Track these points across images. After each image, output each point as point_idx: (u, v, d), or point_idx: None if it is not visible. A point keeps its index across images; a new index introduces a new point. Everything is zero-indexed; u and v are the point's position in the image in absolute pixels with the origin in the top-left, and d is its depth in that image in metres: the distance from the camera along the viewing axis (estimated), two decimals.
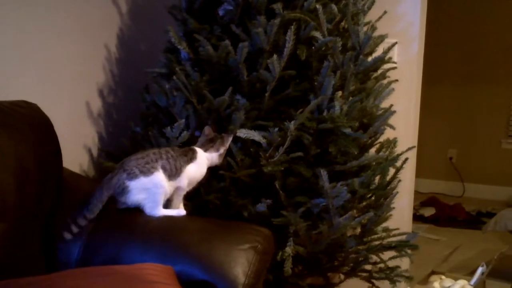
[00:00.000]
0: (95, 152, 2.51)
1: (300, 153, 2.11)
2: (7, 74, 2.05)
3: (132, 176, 1.79)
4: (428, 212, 4.69)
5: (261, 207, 2.08)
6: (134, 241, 1.73)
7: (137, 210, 1.83)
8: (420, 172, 3.09)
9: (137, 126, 2.36)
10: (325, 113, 2.14)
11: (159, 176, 1.82)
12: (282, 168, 2.10)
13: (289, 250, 2.08)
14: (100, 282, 1.45)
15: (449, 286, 3.02)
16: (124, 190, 1.79)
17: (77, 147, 2.40)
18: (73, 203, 1.80)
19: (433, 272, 3.22)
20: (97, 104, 2.51)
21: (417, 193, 3.12)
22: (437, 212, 4.69)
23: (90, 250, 1.76)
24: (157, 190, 1.81)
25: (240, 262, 1.66)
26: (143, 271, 1.53)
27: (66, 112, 2.31)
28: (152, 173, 1.81)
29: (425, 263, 3.24)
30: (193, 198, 2.05)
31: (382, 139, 2.42)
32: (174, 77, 2.21)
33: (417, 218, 4.55)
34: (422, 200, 4.86)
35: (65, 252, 1.79)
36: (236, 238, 1.69)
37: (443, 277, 3.14)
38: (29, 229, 1.74)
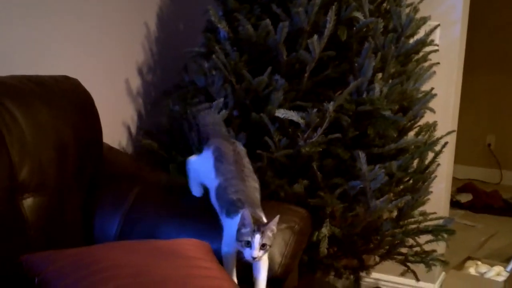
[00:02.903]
0: (133, 129, 2.53)
1: (338, 135, 2.10)
2: (49, 50, 2.08)
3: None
4: (465, 198, 4.63)
5: (298, 187, 2.08)
6: (171, 218, 1.75)
7: (174, 186, 1.84)
8: (457, 158, 3.04)
9: (175, 105, 2.37)
10: (364, 95, 2.13)
11: None
12: (320, 149, 2.09)
13: (325, 231, 2.08)
14: (140, 256, 1.47)
15: (485, 272, 3.00)
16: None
17: (115, 124, 2.43)
18: (112, 178, 1.83)
19: (469, 258, 3.18)
20: (136, 82, 2.53)
21: (454, 179, 3.08)
22: (474, 199, 4.63)
23: (128, 225, 1.79)
24: None
25: (277, 242, 1.67)
26: (182, 246, 1.55)
27: (106, 89, 2.34)
28: None
29: (460, 249, 3.21)
30: None
31: (421, 122, 2.39)
32: (213, 56, 2.21)
33: (453, 204, 4.48)
34: (459, 186, 4.79)
35: (103, 227, 1.82)
36: (273, 217, 1.69)
37: (478, 263, 3.12)
38: (68, 203, 1.77)
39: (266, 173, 2.13)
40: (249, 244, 1.52)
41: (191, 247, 1.56)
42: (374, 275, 2.69)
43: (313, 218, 1.94)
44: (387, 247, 2.31)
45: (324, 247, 2.08)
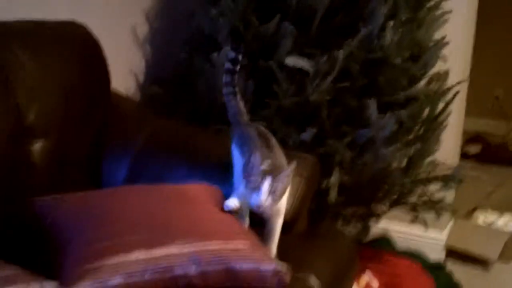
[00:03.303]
0: (140, 77, 2.51)
1: (347, 83, 2.07)
2: None
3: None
4: (474, 149, 4.62)
5: (306, 136, 2.07)
6: (181, 162, 1.75)
7: (183, 131, 1.83)
8: (465, 110, 3.01)
9: (182, 52, 2.34)
10: (375, 43, 2.09)
11: None
12: (329, 98, 2.07)
13: (333, 179, 2.08)
14: (149, 200, 1.47)
15: (493, 222, 3.01)
16: None
17: (122, 72, 2.40)
18: (120, 123, 1.82)
19: (477, 208, 3.19)
20: (143, 29, 2.49)
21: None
22: (482, 150, 4.62)
23: (136, 170, 1.79)
24: None
25: None
26: (192, 191, 1.56)
27: (113, 36, 2.30)
28: None
29: (468, 199, 3.21)
30: None
31: (432, 71, 2.36)
32: (221, 3, 2.17)
33: (461, 155, 4.47)
34: (467, 138, 4.78)
35: (111, 172, 1.82)
36: None
37: (487, 212, 3.13)
38: (76, 148, 1.77)
39: (274, 121, 2.11)
40: (257, 189, 1.42)
41: (200, 192, 1.56)
42: (382, 223, 2.70)
43: (322, 166, 1.93)
44: (396, 196, 2.31)
45: (332, 195, 2.08)
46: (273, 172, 1.42)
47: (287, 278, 1.33)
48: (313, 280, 1.55)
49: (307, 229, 1.81)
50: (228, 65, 1.73)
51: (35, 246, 1.43)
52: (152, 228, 1.37)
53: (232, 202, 1.52)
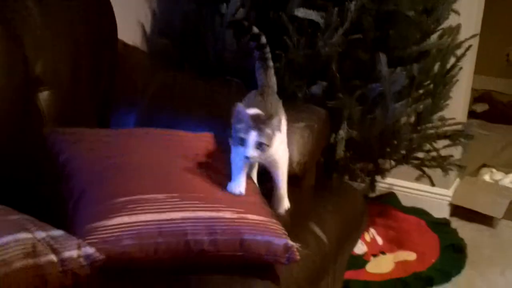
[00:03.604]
0: (148, 29, 2.47)
1: (358, 36, 2.04)
2: None
3: None
4: (481, 108, 4.58)
5: (316, 89, 2.04)
6: (189, 114, 1.74)
7: (191, 83, 1.81)
8: (475, 68, 2.97)
9: (190, 3, 2.30)
10: None
11: None
12: (340, 51, 2.04)
13: (342, 133, 2.06)
14: (162, 142, 1.47)
15: (500, 179, 3.00)
16: None
17: (130, 23, 2.37)
18: (128, 75, 1.81)
19: (484, 166, 3.18)
20: None
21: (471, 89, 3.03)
22: (490, 109, 4.58)
23: (144, 122, 1.79)
24: None
25: (295, 140, 1.66)
26: (195, 142, 1.55)
27: None
28: None
29: (475, 157, 3.19)
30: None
31: (445, 25, 2.31)
32: None
33: (469, 113, 4.45)
34: (475, 96, 4.74)
35: (119, 123, 1.82)
36: (292, 115, 1.66)
37: (493, 170, 3.12)
38: (83, 98, 1.76)
39: (284, 74, 2.08)
40: (243, 142, 1.39)
41: (204, 142, 1.56)
42: (389, 180, 2.70)
43: (331, 120, 1.92)
44: (404, 151, 2.30)
45: (341, 150, 2.07)
46: (259, 123, 1.39)
47: (298, 254, 1.33)
48: (321, 233, 1.56)
49: (316, 183, 1.81)
50: (253, 42, 1.69)
51: (47, 185, 1.44)
52: (168, 188, 1.36)
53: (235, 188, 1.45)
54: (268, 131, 1.39)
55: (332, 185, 1.91)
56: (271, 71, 1.68)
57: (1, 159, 1.52)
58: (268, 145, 1.39)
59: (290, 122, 1.68)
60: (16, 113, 1.57)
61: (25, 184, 1.52)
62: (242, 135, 1.38)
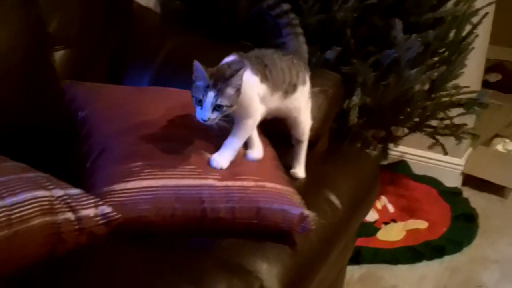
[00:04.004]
0: None
1: (374, 1, 2.01)
2: None
3: None
4: (494, 78, 4.54)
5: (330, 54, 2.02)
6: None
7: (205, 46, 1.80)
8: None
9: None
10: None
11: None
12: (355, 15, 2.02)
13: (356, 99, 2.05)
14: (180, 101, 1.47)
15: None
16: None
17: None
18: (142, 36, 1.80)
19: (496, 136, 3.17)
20: None
21: None
22: (503, 79, 4.54)
23: (158, 83, 1.76)
24: None
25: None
26: None
27: None
28: None
29: (487, 127, 3.18)
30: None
31: None
32: None
33: (482, 83, 4.41)
34: (489, 66, 4.70)
35: (133, 84, 1.81)
36: None
37: (506, 140, 3.10)
38: (97, 58, 1.76)
39: None
40: (200, 103, 1.27)
41: None
42: (401, 148, 2.69)
43: (344, 86, 1.91)
44: (417, 119, 2.29)
45: (354, 116, 2.05)
46: (219, 82, 1.26)
47: (312, 223, 1.33)
48: (335, 199, 1.56)
49: (328, 149, 1.80)
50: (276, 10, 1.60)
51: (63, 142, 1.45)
52: (187, 152, 1.35)
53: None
54: (229, 90, 1.26)
55: (346, 151, 1.89)
56: (301, 38, 1.60)
57: (18, 118, 1.53)
58: (229, 106, 1.28)
59: None
60: (32, 73, 1.57)
61: (42, 142, 1.53)
62: (198, 95, 1.27)
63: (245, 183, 1.33)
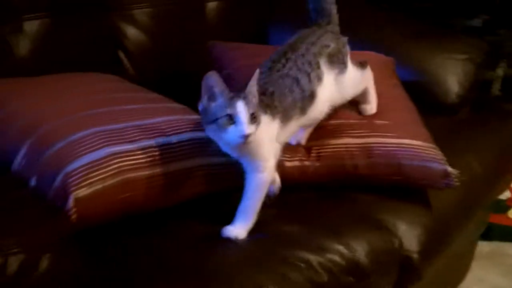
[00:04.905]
0: None
1: None
2: None
3: None
4: None
5: (476, 22, 1.97)
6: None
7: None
8: None
9: None
10: None
11: None
12: None
13: (500, 71, 1.99)
14: None
15: None
16: None
17: None
18: None
19: None
20: None
21: None
22: None
23: None
24: None
25: (456, 72, 1.62)
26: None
27: None
28: None
29: None
30: None
31: None
32: None
33: None
34: None
35: (278, 37, 1.85)
36: (453, 47, 1.63)
37: None
38: (245, 12, 1.82)
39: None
40: (232, 120, 1.06)
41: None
42: None
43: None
44: None
45: (496, 88, 2.00)
46: (238, 90, 1.08)
47: (456, 181, 1.32)
48: (476, 164, 1.52)
49: (469, 117, 1.76)
50: None
51: None
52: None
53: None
54: (251, 98, 1.08)
55: (486, 121, 1.84)
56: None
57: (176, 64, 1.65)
58: (259, 116, 1.09)
59: (451, 53, 1.65)
60: (183, 18, 1.68)
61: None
62: (225, 112, 1.05)
63: (387, 139, 1.34)
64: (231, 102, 1.05)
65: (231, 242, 1.12)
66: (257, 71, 1.10)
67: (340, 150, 1.32)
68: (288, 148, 1.26)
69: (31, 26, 1.48)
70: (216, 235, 1.13)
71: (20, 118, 1.17)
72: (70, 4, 1.56)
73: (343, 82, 1.27)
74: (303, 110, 1.21)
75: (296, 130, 1.25)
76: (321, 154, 1.31)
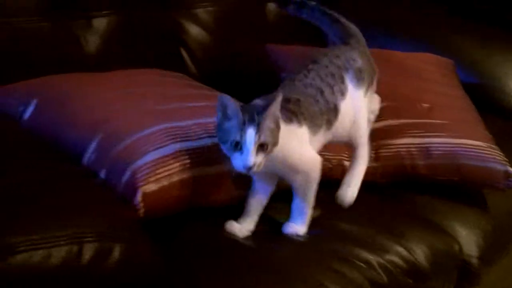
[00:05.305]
0: None
1: None
2: None
3: None
4: None
5: None
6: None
7: None
8: None
9: None
10: None
11: None
12: None
13: None
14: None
15: None
16: None
17: None
18: None
19: None
20: None
21: None
22: None
23: None
24: None
25: None
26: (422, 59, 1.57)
27: None
28: None
29: None
30: None
31: None
32: None
33: None
34: None
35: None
36: None
37: None
38: None
39: None
40: (238, 147, 1.00)
41: (433, 61, 1.56)
42: None
43: None
44: None
45: None
46: (254, 114, 1.00)
47: None
48: None
49: None
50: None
51: None
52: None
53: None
54: (269, 123, 1.01)
55: None
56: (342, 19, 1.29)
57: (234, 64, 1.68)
58: (273, 144, 1.02)
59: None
60: (247, 21, 1.72)
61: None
62: (233, 137, 1.00)
63: (446, 139, 1.35)
64: (242, 127, 0.99)
65: (290, 238, 1.13)
66: (280, 95, 1.02)
67: (399, 150, 1.33)
68: (346, 147, 1.26)
69: (99, 22, 1.52)
70: (275, 230, 1.14)
71: (90, 112, 1.21)
72: (136, 1, 1.60)
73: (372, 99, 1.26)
74: (329, 123, 1.14)
75: (323, 145, 1.16)
76: (380, 154, 1.32)
